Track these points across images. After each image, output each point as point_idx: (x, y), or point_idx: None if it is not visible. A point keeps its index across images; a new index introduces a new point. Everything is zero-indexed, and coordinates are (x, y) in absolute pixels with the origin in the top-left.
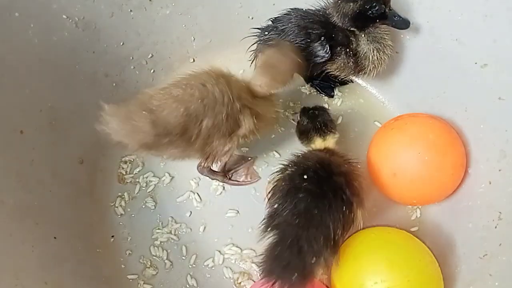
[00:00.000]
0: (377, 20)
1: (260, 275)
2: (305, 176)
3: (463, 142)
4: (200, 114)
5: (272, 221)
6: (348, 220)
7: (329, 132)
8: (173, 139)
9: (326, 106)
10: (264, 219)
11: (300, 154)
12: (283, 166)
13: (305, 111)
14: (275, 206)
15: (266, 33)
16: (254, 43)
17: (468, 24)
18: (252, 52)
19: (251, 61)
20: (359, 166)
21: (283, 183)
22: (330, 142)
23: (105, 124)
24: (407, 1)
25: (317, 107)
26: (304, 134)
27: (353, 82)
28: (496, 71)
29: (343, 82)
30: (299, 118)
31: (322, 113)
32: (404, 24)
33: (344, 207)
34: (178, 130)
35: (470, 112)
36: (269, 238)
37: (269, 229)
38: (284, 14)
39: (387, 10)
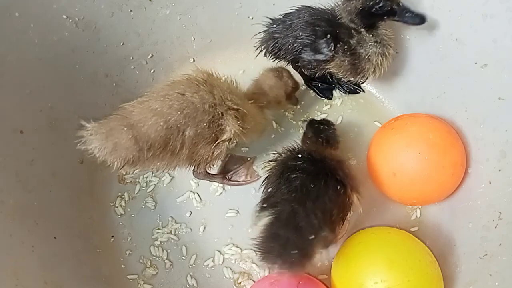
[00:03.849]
0: (385, 17)
1: (258, 257)
2: (299, 155)
3: (463, 142)
4: (181, 125)
5: (267, 201)
6: (344, 202)
7: (330, 147)
8: (156, 153)
9: (327, 106)
10: (259, 202)
11: (292, 145)
12: (275, 155)
13: (312, 124)
14: (269, 189)
15: (275, 25)
16: (263, 33)
17: (468, 24)
18: (258, 41)
19: (255, 48)
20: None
21: (276, 167)
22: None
23: (88, 144)
24: (407, 2)
25: (323, 121)
26: (305, 143)
27: (364, 91)
28: (496, 71)
29: (353, 91)
30: (305, 129)
31: (327, 129)
32: (417, 19)
33: (338, 186)
34: (160, 143)
35: (470, 112)
36: (265, 218)
37: (265, 206)
38: (295, 10)
39: (394, 6)
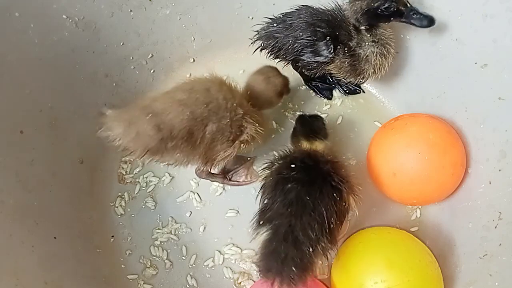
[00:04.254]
0: (392, 18)
1: (258, 274)
2: (293, 165)
3: (463, 142)
4: (205, 118)
5: (264, 216)
6: (341, 208)
7: (317, 139)
8: (178, 143)
9: (327, 106)
10: (255, 216)
11: (285, 150)
12: (269, 163)
13: (300, 118)
14: (265, 201)
15: (275, 24)
16: (262, 29)
17: (468, 24)
18: (257, 33)
19: (252, 42)
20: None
21: (271, 178)
22: (317, 146)
23: (109, 130)
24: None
25: (312, 115)
26: (294, 138)
27: (364, 92)
28: (496, 71)
29: (353, 92)
30: (295, 124)
31: (314, 121)
32: (426, 21)
33: (334, 193)
34: (183, 134)
35: (470, 112)
36: (263, 234)
37: (261, 223)
38: (295, 9)
39: (401, 7)
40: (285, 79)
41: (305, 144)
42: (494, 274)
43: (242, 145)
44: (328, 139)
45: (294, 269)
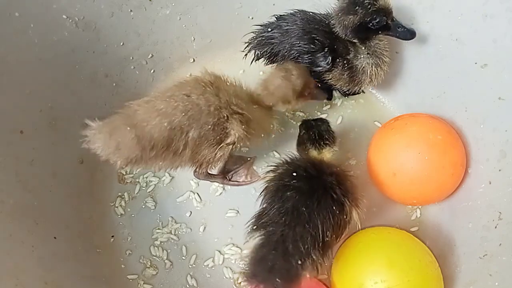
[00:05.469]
0: (380, 32)
1: (244, 279)
2: (294, 174)
3: (463, 142)
4: (185, 126)
5: (259, 221)
6: (340, 221)
7: (324, 145)
8: (159, 153)
9: (327, 106)
10: (251, 219)
11: (292, 155)
12: (274, 166)
13: (304, 122)
14: (264, 205)
15: (269, 29)
16: (254, 38)
17: (468, 24)
18: (248, 44)
19: (245, 55)
20: (351, 172)
21: (272, 183)
22: (326, 155)
23: (91, 143)
24: (407, 2)
25: (317, 118)
26: (301, 145)
27: (364, 92)
28: (496, 71)
29: (353, 92)
30: (299, 129)
31: (320, 125)
32: (408, 34)
33: (334, 206)
34: (163, 143)
35: (470, 112)
36: (255, 239)
37: (255, 227)
38: (290, 14)
39: (389, 22)
40: (308, 79)
41: (312, 152)
42: (494, 274)
43: (230, 146)
44: (336, 144)
45: (279, 280)
